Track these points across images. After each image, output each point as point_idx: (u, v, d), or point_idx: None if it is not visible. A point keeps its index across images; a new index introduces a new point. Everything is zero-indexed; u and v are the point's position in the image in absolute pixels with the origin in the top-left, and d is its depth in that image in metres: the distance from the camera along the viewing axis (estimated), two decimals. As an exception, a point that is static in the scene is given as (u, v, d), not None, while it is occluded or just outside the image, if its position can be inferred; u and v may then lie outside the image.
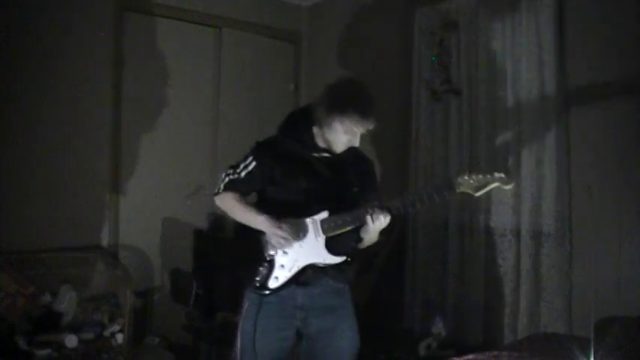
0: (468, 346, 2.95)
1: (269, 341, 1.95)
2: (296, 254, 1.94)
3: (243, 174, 1.99)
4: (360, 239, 2.02)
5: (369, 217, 1.86)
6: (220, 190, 2.02)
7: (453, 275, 3.21)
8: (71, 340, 2.78)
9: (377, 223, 1.87)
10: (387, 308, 3.50)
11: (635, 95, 2.57)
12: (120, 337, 2.91)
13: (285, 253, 1.93)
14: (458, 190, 1.85)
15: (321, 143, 2.00)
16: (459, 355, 2.23)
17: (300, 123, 2.02)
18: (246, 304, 2.00)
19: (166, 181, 3.77)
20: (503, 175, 1.84)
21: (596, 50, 2.71)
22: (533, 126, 2.89)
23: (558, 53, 2.80)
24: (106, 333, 2.93)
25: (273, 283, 1.94)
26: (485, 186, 1.84)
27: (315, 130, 1.99)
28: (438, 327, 3.12)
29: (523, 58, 2.93)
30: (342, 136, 1.93)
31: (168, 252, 3.75)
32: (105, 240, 3.52)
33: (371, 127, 1.94)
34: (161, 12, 3.74)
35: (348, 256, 1.97)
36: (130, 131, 3.62)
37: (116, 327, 2.94)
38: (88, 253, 3.34)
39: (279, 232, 1.89)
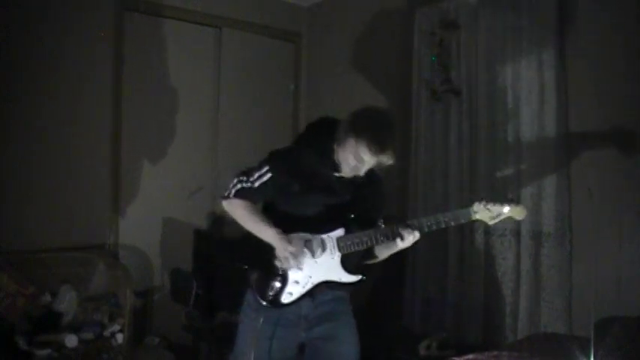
0: (468, 346, 2.95)
1: (270, 350, 1.93)
2: (310, 271, 1.92)
3: (257, 184, 1.93)
4: (374, 257, 2.03)
5: (398, 237, 1.87)
6: (231, 196, 1.96)
7: (453, 275, 3.21)
8: (71, 340, 2.78)
9: (406, 242, 1.88)
10: (387, 308, 3.50)
11: (636, 94, 2.57)
12: (120, 337, 2.91)
13: (299, 269, 1.91)
14: (474, 219, 1.90)
15: (337, 161, 1.96)
16: (459, 355, 2.23)
17: (321, 137, 1.97)
18: (247, 312, 1.98)
19: (166, 181, 3.77)
20: (517, 207, 1.92)
21: (598, 49, 2.71)
22: (534, 126, 2.89)
23: (558, 53, 2.80)
24: (106, 333, 2.93)
25: (286, 299, 1.91)
26: (499, 216, 1.91)
27: (335, 146, 1.94)
28: (438, 329, 3.13)
29: (523, 58, 2.93)
30: (350, 159, 1.88)
31: (168, 252, 3.75)
32: (105, 240, 3.52)
33: (383, 160, 1.88)
34: (161, 12, 3.74)
35: (363, 275, 1.96)
36: (129, 131, 3.62)
37: (116, 327, 2.94)
38: (88, 253, 3.34)
39: (288, 247, 1.86)
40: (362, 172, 1.91)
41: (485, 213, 1.89)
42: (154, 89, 3.74)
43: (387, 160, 1.88)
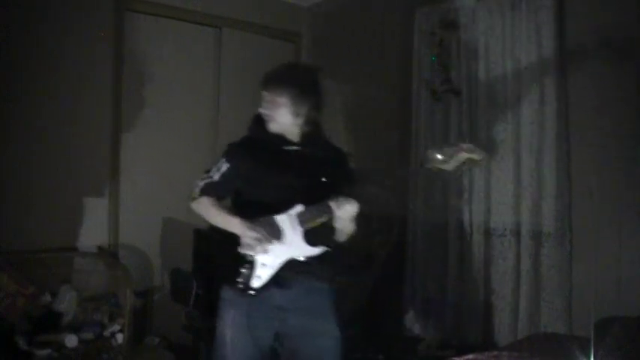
0: (468, 346, 2.95)
1: (245, 342, 1.94)
2: (276, 251, 1.93)
3: (216, 177, 2.00)
4: (334, 229, 2.01)
5: (334, 206, 1.88)
6: (196, 196, 2.01)
7: (453, 275, 3.21)
8: (71, 340, 2.78)
9: (343, 211, 1.88)
10: (387, 308, 3.50)
11: (636, 94, 2.57)
12: (120, 337, 2.91)
13: (265, 251, 1.92)
14: (427, 166, 1.86)
15: (288, 135, 2.02)
16: (459, 355, 2.23)
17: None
18: (223, 307, 1.99)
19: (166, 182, 3.77)
20: (473, 148, 1.82)
21: (597, 48, 2.71)
22: (534, 126, 2.89)
23: (558, 53, 2.80)
24: (106, 333, 2.93)
25: (256, 283, 1.92)
26: (453, 158, 1.81)
27: None
28: (438, 329, 3.13)
29: (523, 58, 2.93)
30: (265, 110, 2.01)
31: (168, 252, 3.75)
32: (105, 240, 3.52)
33: (277, 96, 2.01)
34: (161, 12, 3.74)
35: (328, 246, 1.97)
36: (129, 131, 3.62)
37: (116, 327, 2.94)
38: (88, 253, 3.34)
39: (252, 234, 1.88)
40: (268, 111, 2.02)
41: (438, 159, 1.82)
42: (154, 89, 3.74)
43: (281, 96, 1.99)
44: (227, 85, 4.06)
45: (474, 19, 3.16)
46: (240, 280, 1.93)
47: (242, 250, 1.93)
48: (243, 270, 1.93)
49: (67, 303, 3.01)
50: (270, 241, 1.90)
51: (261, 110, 2.04)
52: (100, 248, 3.48)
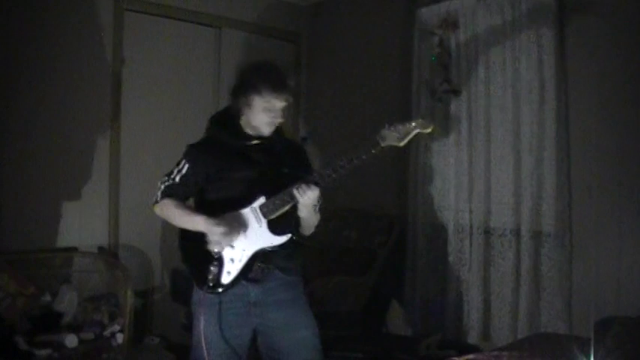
0: (468, 346, 2.95)
1: (222, 340, 1.95)
2: (243, 244, 1.94)
3: (177, 178, 2.02)
4: (298, 219, 2.02)
5: (296, 192, 1.88)
6: (158, 199, 2.03)
7: (453, 275, 3.21)
8: (71, 340, 2.78)
9: (305, 198, 1.88)
10: (387, 308, 3.50)
11: (635, 94, 2.57)
12: (120, 337, 2.91)
13: (232, 247, 1.93)
14: (383, 144, 1.86)
15: (249, 131, 2.03)
16: (459, 355, 2.23)
17: (226, 118, 2.07)
18: (196, 308, 1.99)
19: (166, 181, 3.76)
20: (420, 119, 1.87)
21: (597, 49, 2.71)
22: (533, 126, 2.89)
23: (558, 53, 2.80)
24: (106, 333, 2.92)
25: (226, 279, 1.93)
26: (407, 135, 1.85)
27: (242, 120, 2.03)
28: (438, 329, 3.13)
29: (523, 58, 2.93)
30: (264, 115, 1.96)
31: (168, 252, 3.74)
32: (105, 240, 3.52)
33: (289, 99, 2.00)
34: (161, 12, 3.74)
35: (292, 234, 1.98)
36: (129, 131, 3.62)
37: (116, 327, 2.94)
38: (88, 253, 3.34)
39: (218, 229, 1.89)
40: (281, 118, 1.99)
41: (393, 135, 1.85)
42: (154, 89, 3.74)
43: (290, 96, 2.00)
44: (227, 85, 4.04)
45: (474, 19, 3.16)
46: (209, 277, 1.92)
47: (210, 247, 1.93)
48: (211, 267, 1.93)
49: (67, 303, 3.01)
50: (236, 234, 1.91)
51: (273, 119, 1.99)
52: (100, 248, 3.48)
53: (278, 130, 2.06)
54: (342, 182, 1.95)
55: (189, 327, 3.27)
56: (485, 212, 3.10)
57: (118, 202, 3.59)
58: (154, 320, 3.69)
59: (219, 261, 1.94)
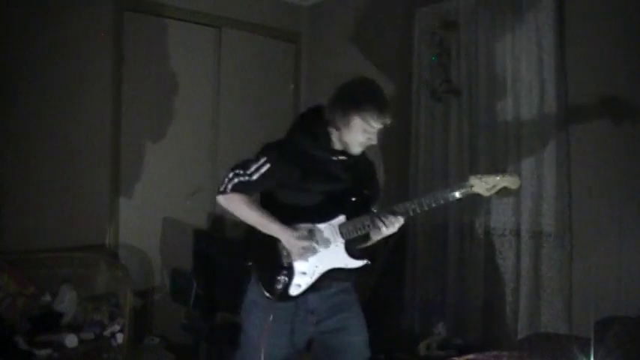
0: (468, 346, 2.95)
1: (280, 347, 1.92)
2: (316, 260, 1.92)
3: (255, 176, 1.91)
4: (367, 239, 2.00)
5: (381, 223, 1.85)
6: (228, 190, 1.92)
7: (453, 275, 3.21)
8: (71, 340, 2.78)
9: (390, 229, 1.87)
10: (387, 308, 3.50)
11: (635, 94, 2.57)
12: (120, 337, 2.91)
13: (305, 260, 1.91)
14: (470, 192, 1.87)
15: (337, 146, 1.96)
16: (459, 355, 2.23)
17: (315, 124, 1.97)
18: (253, 310, 1.96)
19: (166, 181, 3.77)
20: (512, 177, 1.88)
21: (597, 50, 2.71)
22: (533, 126, 2.89)
23: (558, 53, 2.80)
24: (106, 333, 2.93)
25: (294, 291, 1.91)
26: (494, 187, 1.87)
27: (333, 133, 1.95)
28: (438, 327, 3.12)
29: (523, 58, 2.93)
30: (360, 135, 1.90)
31: (168, 252, 3.75)
32: (105, 240, 3.53)
33: (388, 122, 1.92)
34: (161, 12, 3.74)
35: (369, 259, 1.96)
36: (130, 131, 3.62)
37: (116, 327, 2.94)
38: (88, 253, 3.34)
39: (302, 244, 1.86)
40: (375, 140, 1.93)
41: (482, 185, 1.86)
42: (154, 89, 3.74)
43: (390, 119, 1.91)
44: (227, 85, 4.06)
45: (474, 19, 3.16)
46: (278, 286, 1.91)
47: (284, 257, 1.91)
48: (281, 277, 1.91)
49: (67, 303, 3.01)
50: (314, 252, 1.89)
51: (368, 141, 1.93)
52: (100, 248, 3.48)
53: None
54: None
55: (189, 327, 3.30)
56: (485, 212, 3.10)
57: (118, 202, 3.59)
58: (154, 320, 3.70)
59: (290, 271, 1.92)
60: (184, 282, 3.28)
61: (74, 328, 2.91)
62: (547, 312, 2.81)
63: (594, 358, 1.86)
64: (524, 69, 2.92)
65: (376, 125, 1.89)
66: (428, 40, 3.38)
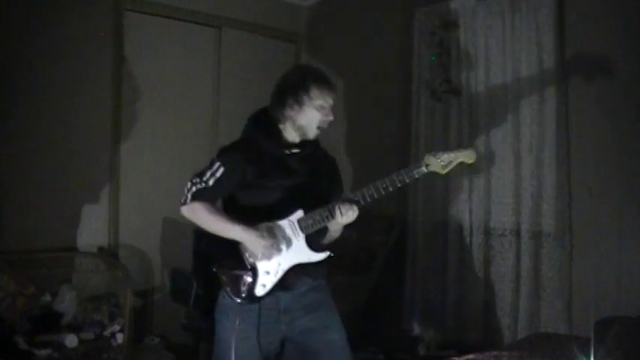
0: (468, 346, 2.95)
1: (252, 349, 1.91)
2: (279, 258, 1.91)
3: (211, 182, 1.94)
4: (326, 231, 2.00)
5: (337, 212, 1.86)
6: (188, 201, 1.95)
7: (453, 275, 3.21)
8: (71, 340, 2.78)
9: (344, 218, 1.87)
10: (387, 308, 3.50)
11: (635, 94, 2.57)
12: (120, 337, 2.91)
13: (269, 258, 1.90)
14: (426, 170, 1.88)
15: (291, 138, 2.00)
16: (459, 355, 2.23)
17: (266, 121, 2.02)
18: (224, 313, 1.96)
19: (166, 181, 3.76)
20: (466, 151, 1.88)
21: (597, 49, 2.71)
22: (534, 126, 2.89)
23: (558, 53, 2.80)
24: (106, 333, 2.93)
25: (260, 291, 1.90)
26: (450, 163, 1.88)
27: (281, 126, 2.00)
28: (438, 329, 3.13)
29: (523, 58, 2.93)
30: (317, 114, 1.95)
31: (168, 252, 3.75)
32: (105, 240, 3.52)
33: (335, 96, 1.99)
34: (161, 12, 3.74)
35: (330, 251, 1.96)
36: (129, 131, 3.62)
37: (116, 327, 2.94)
38: (88, 253, 3.34)
39: (263, 242, 1.86)
40: (332, 116, 1.97)
41: (437, 163, 1.87)
42: (154, 89, 3.74)
43: (336, 90, 1.99)
44: (227, 85, 4.06)
45: (474, 19, 3.16)
46: (243, 288, 1.90)
47: (246, 258, 1.91)
48: (245, 278, 1.90)
49: (67, 303, 3.02)
50: (278, 249, 1.89)
51: (327, 117, 1.97)
52: (100, 248, 3.48)
53: (316, 141, 2.03)
54: (378, 202, 1.93)
55: (188, 327, 3.30)
56: (485, 212, 3.10)
57: (118, 202, 3.59)
58: (154, 320, 3.70)
59: (254, 272, 1.91)
60: (184, 282, 3.28)
61: (74, 328, 2.91)
62: (547, 312, 2.81)
63: (594, 358, 1.86)
64: (524, 69, 2.92)
65: (328, 98, 1.95)
66: (428, 40, 3.38)
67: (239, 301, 1.91)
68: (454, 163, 1.88)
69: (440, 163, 1.87)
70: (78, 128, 3.41)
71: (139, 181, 3.67)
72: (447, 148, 3.19)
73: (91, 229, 3.47)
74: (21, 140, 3.23)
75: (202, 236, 3.54)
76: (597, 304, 2.42)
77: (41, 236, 3.24)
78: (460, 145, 1.93)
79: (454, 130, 3.24)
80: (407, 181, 1.88)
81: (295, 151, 1.99)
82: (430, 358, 2.98)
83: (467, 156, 1.87)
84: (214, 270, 2.00)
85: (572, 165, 2.81)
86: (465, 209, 3.18)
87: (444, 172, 1.89)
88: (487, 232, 3.10)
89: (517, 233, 2.95)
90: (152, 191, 3.71)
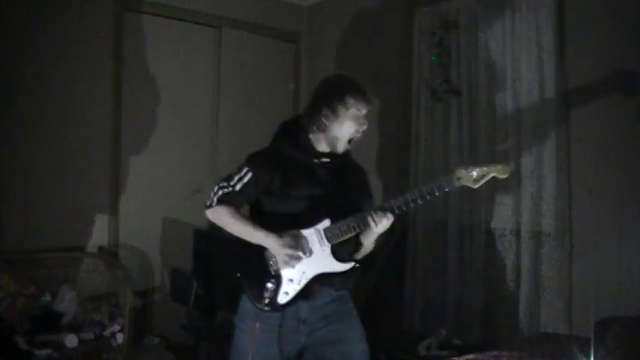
0: (468, 346, 2.95)
1: (268, 356, 1.90)
2: (303, 266, 1.90)
3: (239, 187, 1.93)
4: (360, 245, 2.00)
5: (371, 220, 1.84)
6: (213, 204, 1.95)
7: (453, 275, 3.21)
8: (71, 340, 2.78)
9: (380, 226, 1.86)
10: (387, 308, 3.50)
11: (635, 94, 2.57)
12: (120, 337, 2.92)
13: (292, 267, 1.90)
14: (458, 185, 1.85)
15: (321, 148, 1.98)
16: (459, 355, 2.23)
17: (296, 131, 2.00)
18: (245, 319, 1.95)
19: (166, 181, 3.77)
20: (499, 166, 1.85)
21: (597, 50, 2.71)
22: (533, 126, 2.89)
23: (558, 53, 2.80)
24: (106, 333, 2.93)
25: (283, 299, 1.89)
26: (482, 178, 1.84)
27: (312, 136, 1.98)
28: (438, 328, 3.12)
29: (523, 58, 2.93)
30: (353, 123, 1.92)
31: (168, 252, 3.75)
32: (105, 240, 3.52)
33: (371, 105, 1.98)
34: (161, 12, 3.74)
35: (355, 262, 1.95)
36: (129, 131, 3.62)
37: (116, 327, 2.95)
38: (88, 253, 3.34)
39: (288, 251, 1.85)
40: (365, 125, 1.95)
41: (468, 177, 1.84)
42: (153, 89, 3.74)
43: (371, 100, 1.99)
44: (227, 85, 4.07)
45: (474, 19, 3.16)
46: (266, 295, 1.89)
47: (271, 265, 1.91)
48: (268, 285, 1.89)
49: (67, 303, 3.02)
50: (300, 258, 1.88)
51: (361, 127, 1.95)
52: (100, 248, 3.48)
53: (347, 151, 2.01)
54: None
55: (188, 327, 3.30)
56: (485, 212, 3.10)
57: (118, 202, 3.59)
58: (154, 320, 3.70)
59: (277, 279, 1.90)
60: (184, 282, 3.28)
61: (74, 328, 2.91)
62: (547, 312, 2.81)
63: (594, 358, 1.86)
64: (524, 69, 2.92)
65: (364, 109, 1.94)
66: (428, 40, 3.38)
67: (261, 307, 1.90)
68: (487, 178, 1.84)
69: (472, 177, 1.84)
70: (78, 128, 3.41)
71: (139, 181, 3.67)
72: (446, 148, 3.28)
73: (91, 229, 3.47)
74: (21, 140, 3.23)
75: (202, 236, 3.56)
76: (597, 304, 2.42)
77: (41, 236, 3.24)
78: (494, 160, 1.88)
79: (454, 130, 3.24)
80: (437, 194, 1.86)
81: (325, 160, 1.97)
82: (430, 358, 2.98)
83: (500, 171, 1.84)
84: (237, 275, 1.98)
85: (572, 165, 2.80)
86: (465, 209, 3.18)
87: (476, 186, 1.85)
88: (487, 232, 3.10)
89: (517, 233, 2.95)
90: (152, 191, 3.71)
